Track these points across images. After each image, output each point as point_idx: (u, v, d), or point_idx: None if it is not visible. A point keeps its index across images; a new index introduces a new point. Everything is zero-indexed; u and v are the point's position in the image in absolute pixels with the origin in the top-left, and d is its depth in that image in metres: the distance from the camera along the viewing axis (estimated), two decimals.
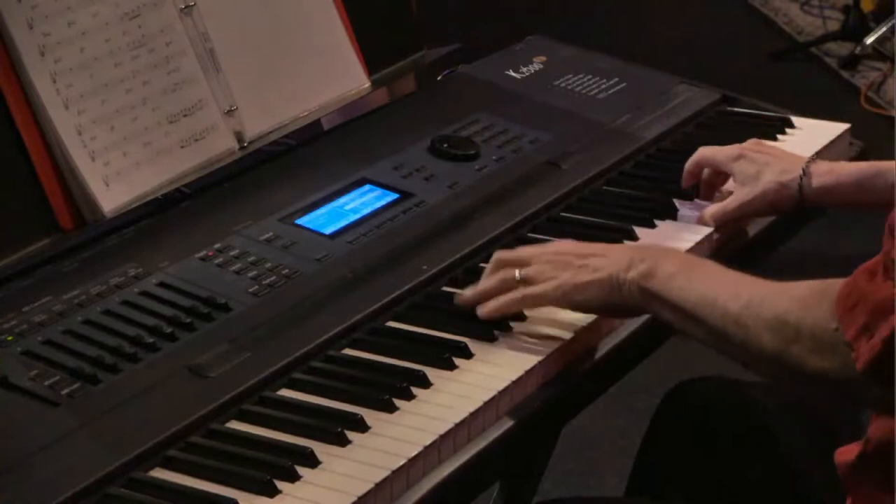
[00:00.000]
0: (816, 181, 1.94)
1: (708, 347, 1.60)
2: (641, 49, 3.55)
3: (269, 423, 1.50)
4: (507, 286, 1.68)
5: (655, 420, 2.00)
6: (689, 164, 2.04)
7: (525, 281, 1.68)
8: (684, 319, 1.60)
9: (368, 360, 1.63)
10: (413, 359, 1.62)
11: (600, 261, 1.66)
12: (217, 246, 1.78)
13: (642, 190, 2.08)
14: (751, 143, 2.03)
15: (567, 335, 1.68)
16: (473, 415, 1.52)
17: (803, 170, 1.94)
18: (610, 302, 1.65)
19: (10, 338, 1.56)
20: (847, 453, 1.52)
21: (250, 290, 1.70)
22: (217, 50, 1.99)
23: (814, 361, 1.46)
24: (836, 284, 1.45)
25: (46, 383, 1.50)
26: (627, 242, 1.90)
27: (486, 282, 1.70)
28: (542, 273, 1.67)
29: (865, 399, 1.48)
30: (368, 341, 1.66)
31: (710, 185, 2.04)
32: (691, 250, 1.91)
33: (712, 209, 1.97)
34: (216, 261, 1.75)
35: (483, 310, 1.67)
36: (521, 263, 1.70)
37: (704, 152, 2.03)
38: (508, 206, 1.96)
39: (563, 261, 1.68)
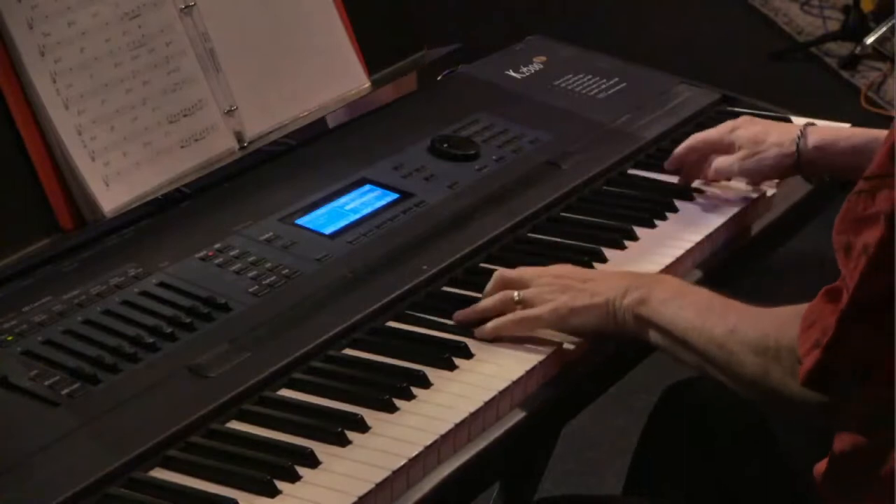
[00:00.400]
0: (812, 139, 1.99)
1: (697, 372, 1.62)
2: (641, 49, 3.54)
3: (269, 423, 1.50)
4: (505, 307, 1.69)
5: (653, 418, 2.01)
6: (682, 149, 2.08)
7: (523, 302, 1.69)
8: (674, 344, 1.62)
9: (368, 360, 1.63)
10: (413, 359, 1.62)
11: (597, 286, 1.68)
12: (217, 246, 1.78)
13: (642, 190, 2.08)
14: (743, 119, 2.08)
15: (567, 336, 1.68)
16: (473, 415, 1.52)
17: (801, 130, 2.01)
18: (604, 328, 1.67)
19: (10, 338, 1.56)
20: (821, 467, 1.53)
21: (250, 290, 1.70)
22: (217, 50, 1.99)
23: (791, 385, 1.48)
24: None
25: (46, 383, 1.50)
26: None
27: (485, 301, 1.71)
28: (540, 295, 1.69)
29: (839, 424, 1.49)
30: (368, 341, 1.66)
31: (695, 169, 2.08)
32: (691, 250, 1.91)
33: (717, 164, 2.04)
34: (216, 261, 1.75)
35: (480, 332, 1.68)
36: (521, 284, 1.71)
37: (697, 137, 2.08)
38: (508, 206, 1.96)
39: (561, 284, 1.69)
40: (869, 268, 1.37)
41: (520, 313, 1.68)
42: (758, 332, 1.52)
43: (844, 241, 1.41)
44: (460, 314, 1.71)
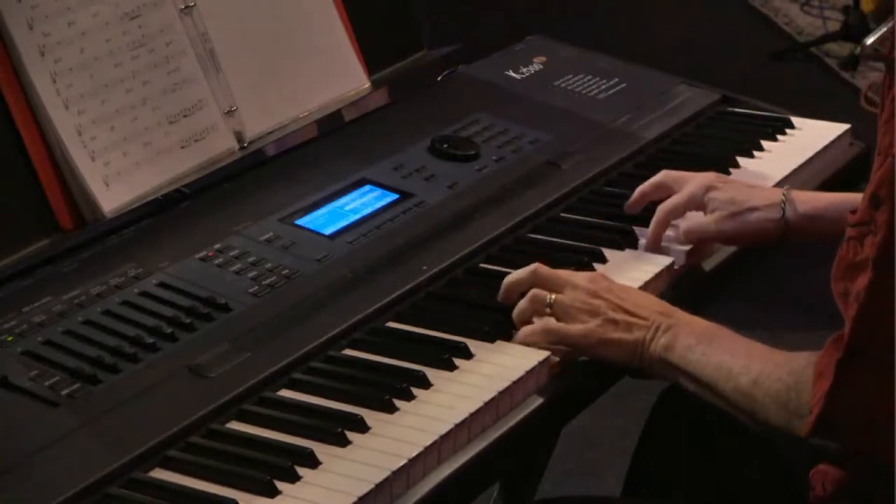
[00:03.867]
0: (802, 207, 1.88)
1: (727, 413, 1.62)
2: (641, 49, 3.54)
3: (269, 424, 1.50)
4: (536, 307, 1.68)
5: (652, 419, 2.00)
6: (649, 185, 1.94)
7: (553, 307, 1.67)
8: (701, 389, 1.62)
9: (368, 360, 1.63)
10: (413, 359, 1.62)
11: (631, 319, 1.66)
12: (217, 246, 1.78)
13: None
14: (715, 176, 1.94)
15: None
16: (473, 415, 1.52)
17: (784, 196, 1.88)
18: (629, 364, 1.67)
19: (10, 338, 1.56)
20: (819, 475, 1.53)
21: (250, 290, 1.70)
22: (217, 50, 1.99)
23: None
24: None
25: (46, 383, 1.50)
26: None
27: (520, 304, 1.69)
28: (571, 311, 1.67)
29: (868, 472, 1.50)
30: (368, 341, 1.66)
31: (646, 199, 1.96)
32: (689, 253, 1.90)
33: (690, 224, 1.89)
34: (216, 261, 1.75)
35: (516, 338, 1.67)
36: (556, 287, 1.69)
37: (671, 175, 1.94)
38: (508, 206, 1.96)
39: (595, 305, 1.67)
40: (860, 313, 1.40)
41: (551, 325, 1.66)
42: (779, 385, 1.52)
43: (842, 287, 1.44)
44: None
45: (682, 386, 1.65)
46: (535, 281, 1.71)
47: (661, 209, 1.91)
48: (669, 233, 1.91)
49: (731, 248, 1.96)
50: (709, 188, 1.91)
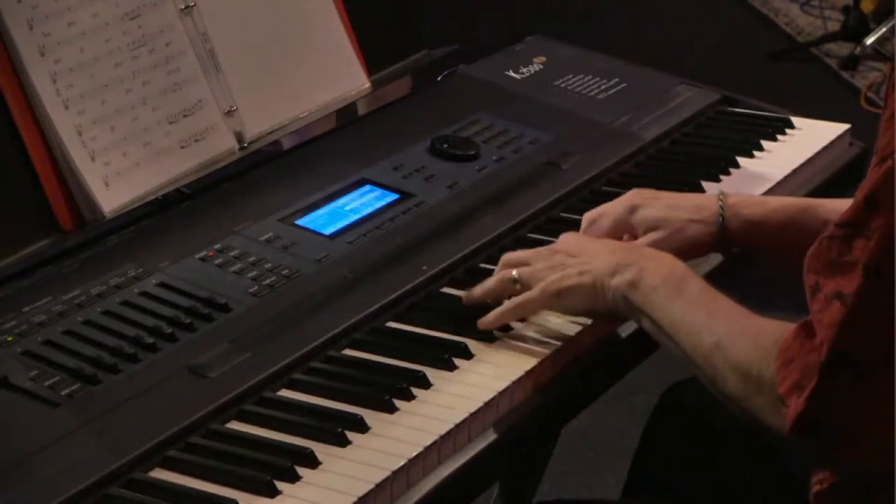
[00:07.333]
0: (745, 212, 1.79)
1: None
2: (641, 49, 3.55)
3: (269, 424, 1.50)
4: (503, 286, 1.69)
5: (653, 419, 2.00)
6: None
7: (521, 282, 1.68)
8: (661, 336, 1.60)
9: (368, 360, 1.63)
10: (413, 359, 1.62)
11: (587, 263, 1.65)
12: (217, 246, 1.78)
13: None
14: (636, 193, 1.84)
15: (567, 335, 1.68)
16: (473, 415, 1.52)
17: (721, 202, 1.80)
18: (595, 307, 1.65)
19: (10, 338, 1.56)
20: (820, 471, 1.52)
21: (250, 290, 1.70)
22: (217, 50, 1.99)
23: (773, 418, 1.45)
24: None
25: (46, 384, 1.50)
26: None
27: (486, 282, 1.71)
28: (535, 275, 1.67)
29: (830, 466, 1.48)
30: (368, 341, 1.66)
31: None
32: None
33: None
34: (216, 261, 1.75)
35: (482, 323, 1.67)
36: (522, 264, 1.70)
37: (590, 216, 1.84)
38: (508, 206, 1.96)
39: (555, 261, 1.68)
40: (848, 318, 1.35)
41: (515, 299, 1.67)
42: (741, 355, 1.48)
43: (813, 280, 1.39)
44: (467, 296, 1.71)
45: (645, 328, 1.61)
46: (504, 267, 1.71)
47: (588, 220, 1.83)
48: None
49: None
50: (634, 208, 1.81)
